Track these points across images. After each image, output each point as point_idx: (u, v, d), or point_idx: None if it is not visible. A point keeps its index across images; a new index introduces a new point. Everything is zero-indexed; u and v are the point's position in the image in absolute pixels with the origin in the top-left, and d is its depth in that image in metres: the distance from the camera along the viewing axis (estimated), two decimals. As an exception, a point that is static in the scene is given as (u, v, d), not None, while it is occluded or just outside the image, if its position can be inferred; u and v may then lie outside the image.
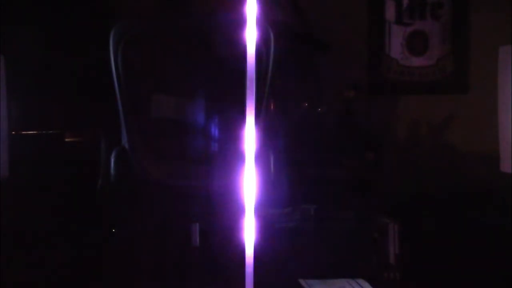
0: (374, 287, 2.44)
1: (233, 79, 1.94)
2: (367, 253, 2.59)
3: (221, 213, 2.27)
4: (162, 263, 2.37)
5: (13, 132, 2.52)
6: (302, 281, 2.46)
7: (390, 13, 3.38)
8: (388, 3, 3.37)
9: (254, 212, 1.37)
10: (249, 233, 1.36)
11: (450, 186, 3.10)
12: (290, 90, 2.94)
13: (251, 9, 1.37)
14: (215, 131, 2.31)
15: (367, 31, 3.39)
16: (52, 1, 2.96)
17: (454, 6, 3.35)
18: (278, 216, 2.68)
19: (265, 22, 2.16)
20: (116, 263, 2.41)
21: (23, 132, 2.76)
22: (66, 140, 2.88)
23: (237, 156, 1.55)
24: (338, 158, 2.98)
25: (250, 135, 1.37)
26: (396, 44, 3.38)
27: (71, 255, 2.50)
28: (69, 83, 2.84)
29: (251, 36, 1.37)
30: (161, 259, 2.37)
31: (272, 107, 2.68)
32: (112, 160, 2.22)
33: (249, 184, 1.37)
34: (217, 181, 2.26)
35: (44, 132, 2.87)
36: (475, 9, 3.32)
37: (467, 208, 2.93)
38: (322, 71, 3.17)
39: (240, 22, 1.44)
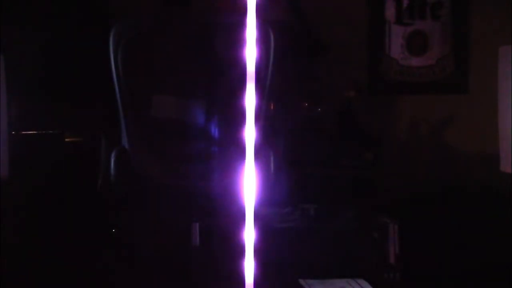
0: (374, 287, 2.43)
1: (233, 79, 1.94)
2: (367, 253, 2.59)
3: (221, 213, 2.26)
4: (162, 263, 2.37)
5: (13, 132, 2.52)
6: (302, 281, 2.46)
7: (390, 13, 3.37)
8: (388, 3, 3.37)
9: (254, 212, 1.37)
10: (249, 233, 1.36)
11: (450, 186, 3.10)
12: (290, 90, 2.94)
13: (251, 9, 1.36)
14: (215, 131, 2.31)
15: (367, 31, 3.39)
16: (52, 1, 2.96)
17: (454, 6, 3.35)
18: (278, 216, 2.68)
19: (265, 22, 2.16)
20: (116, 262, 2.41)
21: (23, 132, 2.76)
22: (66, 140, 2.88)
23: (237, 156, 1.55)
24: (338, 157, 2.98)
25: (250, 135, 1.37)
26: (396, 44, 3.38)
27: (70, 255, 2.50)
28: (69, 83, 2.84)
29: (251, 36, 1.37)
30: (161, 258, 2.37)
31: (272, 107, 2.68)
32: (112, 160, 2.22)
33: (249, 184, 1.37)
34: (217, 181, 2.26)
35: (44, 132, 2.87)
36: (475, 10, 3.32)
37: (467, 208, 2.93)
38: (322, 71, 3.17)
39: (240, 22, 1.44)
